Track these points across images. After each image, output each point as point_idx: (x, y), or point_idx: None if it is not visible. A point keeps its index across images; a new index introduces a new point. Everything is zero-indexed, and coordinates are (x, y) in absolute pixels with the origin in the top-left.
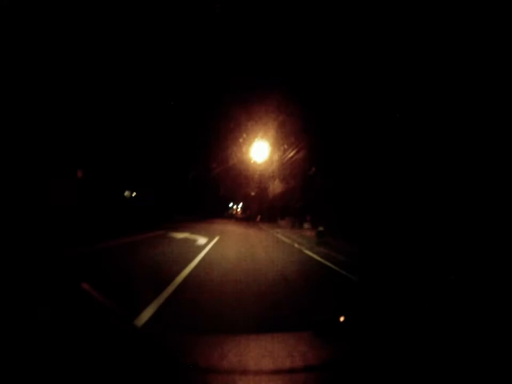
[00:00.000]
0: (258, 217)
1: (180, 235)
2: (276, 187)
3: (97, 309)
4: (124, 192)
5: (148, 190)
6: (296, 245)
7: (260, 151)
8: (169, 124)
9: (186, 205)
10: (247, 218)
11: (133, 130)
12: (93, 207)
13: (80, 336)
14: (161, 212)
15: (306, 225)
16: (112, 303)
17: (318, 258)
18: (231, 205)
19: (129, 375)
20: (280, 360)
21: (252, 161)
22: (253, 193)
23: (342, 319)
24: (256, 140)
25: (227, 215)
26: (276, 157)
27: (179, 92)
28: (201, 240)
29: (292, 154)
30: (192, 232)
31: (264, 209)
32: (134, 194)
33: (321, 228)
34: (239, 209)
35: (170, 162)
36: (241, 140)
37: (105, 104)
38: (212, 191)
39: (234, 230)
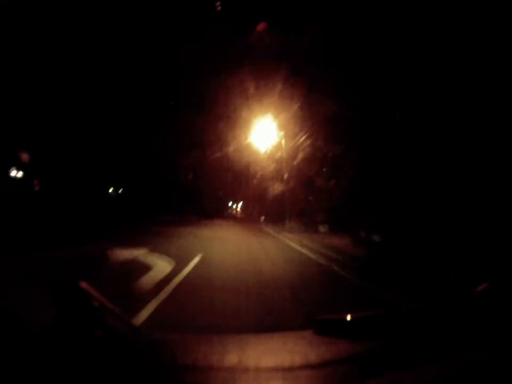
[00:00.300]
0: (262, 218)
1: (130, 253)
2: (282, 183)
3: (95, 308)
4: (105, 189)
5: (134, 188)
6: (341, 272)
7: (263, 140)
8: (158, 114)
9: (179, 205)
10: (248, 218)
11: (115, 120)
12: (42, 203)
13: (79, 336)
14: (142, 212)
15: (322, 228)
16: (111, 302)
17: None
18: (230, 204)
19: (128, 375)
20: (280, 359)
21: (253, 154)
22: (254, 191)
23: (348, 317)
24: (258, 127)
25: (226, 215)
26: (282, 148)
27: (166, 74)
28: (159, 269)
29: (301, 141)
30: (158, 246)
31: (267, 208)
32: (114, 191)
33: (377, 238)
34: (239, 209)
35: (161, 159)
36: (240, 129)
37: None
38: (210, 190)
39: (231, 237)
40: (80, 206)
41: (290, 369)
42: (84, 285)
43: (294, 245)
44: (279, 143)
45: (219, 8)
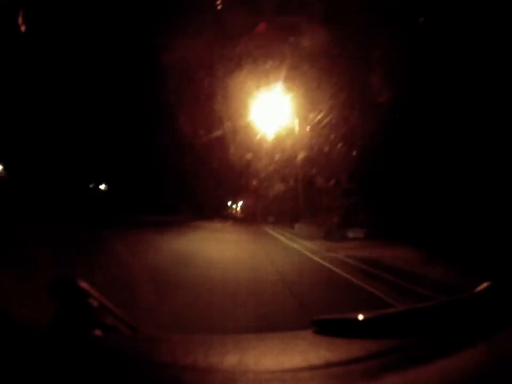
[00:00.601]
0: (270, 218)
1: None
2: (291, 177)
3: (95, 308)
4: (85, 183)
5: (121, 184)
6: None
7: (269, 126)
8: (149, 100)
9: (173, 204)
10: (249, 218)
11: (100, 108)
12: None
13: (78, 335)
14: (123, 211)
15: (351, 234)
16: (111, 302)
17: None
18: (230, 203)
19: (128, 375)
20: (281, 359)
21: (256, 146)
22: (256, 189)
23: (350, 317)
24: (264, 110)
25: (226, 214)
26: (294, 131)
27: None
28: None
29: (319, 119)
30: None
31: (269, 208)
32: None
33: None
34: (238, 209)
35: (154, 154)
36: (241, 116)
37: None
38: (209, 190)
39: (223, 256)
40: (43, 201)
41: (291, 369)
42: (83, 284)
43: (355, 280)
44: (290, 128)
45: (220, 6)
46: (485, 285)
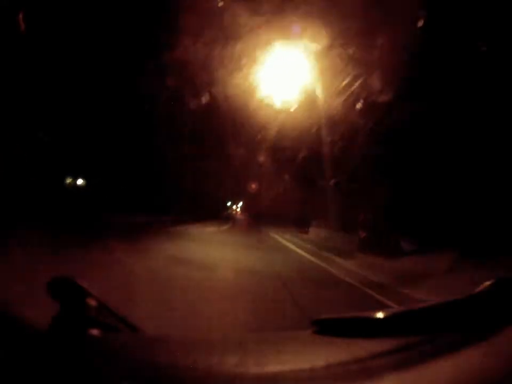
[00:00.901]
0: (278, 220)
1: None
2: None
3: (94, 307)
4: (58, 178)
5: (108, 180)
6: None
7: (281, 93)
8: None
9: (168, 203)
10: (250, 220)
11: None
12: None
13: (78, 335)
14: (101, 210)
15: (405, 245)
16: (110, 302)
17: None
18: (229, 204)
19: (128, 375)
20: (281, 359)
21: (258, 135)
22: (257, 187)
23: (350, 317)
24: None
25: (226, 215)
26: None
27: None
28: None
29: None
30: None
31: (273, 206)
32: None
33: None
34: (238, 209)
35: (151, 149)
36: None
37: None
38: (206, 189)
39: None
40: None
41: (291, 369)
42: (82, 283)
43: None
44: (306, 103)
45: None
46: (485, 284)
